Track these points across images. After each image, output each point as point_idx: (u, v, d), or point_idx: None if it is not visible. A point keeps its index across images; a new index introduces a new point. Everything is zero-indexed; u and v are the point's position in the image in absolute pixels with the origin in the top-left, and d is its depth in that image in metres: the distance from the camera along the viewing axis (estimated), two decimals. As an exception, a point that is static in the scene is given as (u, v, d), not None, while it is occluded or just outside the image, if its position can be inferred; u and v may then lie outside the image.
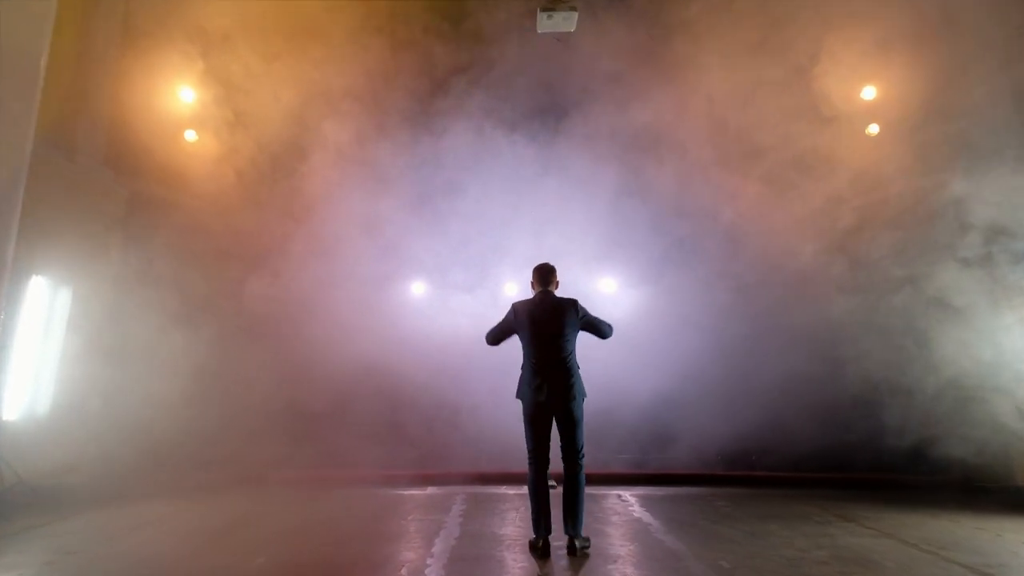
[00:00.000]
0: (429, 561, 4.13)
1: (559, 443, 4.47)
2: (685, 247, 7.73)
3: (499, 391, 6.73)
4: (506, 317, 4.64)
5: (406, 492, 6.72)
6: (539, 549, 4.30)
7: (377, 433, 7.89)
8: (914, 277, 6.27)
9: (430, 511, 5.72)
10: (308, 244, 8.15)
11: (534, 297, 4.63)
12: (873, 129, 7.08)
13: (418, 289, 8.78)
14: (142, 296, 6.67)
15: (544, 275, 4.66)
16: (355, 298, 8.24)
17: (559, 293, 4.67)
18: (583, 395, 4.47)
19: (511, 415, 5.52)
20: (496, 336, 4.68)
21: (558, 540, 4.36)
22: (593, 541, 4.56)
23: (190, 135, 7.97)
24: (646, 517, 5.47)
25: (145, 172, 7.78)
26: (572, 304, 4.54)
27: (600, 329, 4.58)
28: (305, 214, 7.89)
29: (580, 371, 4.52)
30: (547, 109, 7.56)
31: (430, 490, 6.86)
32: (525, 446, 4.49)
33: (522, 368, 4.54)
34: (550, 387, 4.37)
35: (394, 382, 7.90)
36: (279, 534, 4.88)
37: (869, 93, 6.50)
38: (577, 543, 4.27)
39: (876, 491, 6.70)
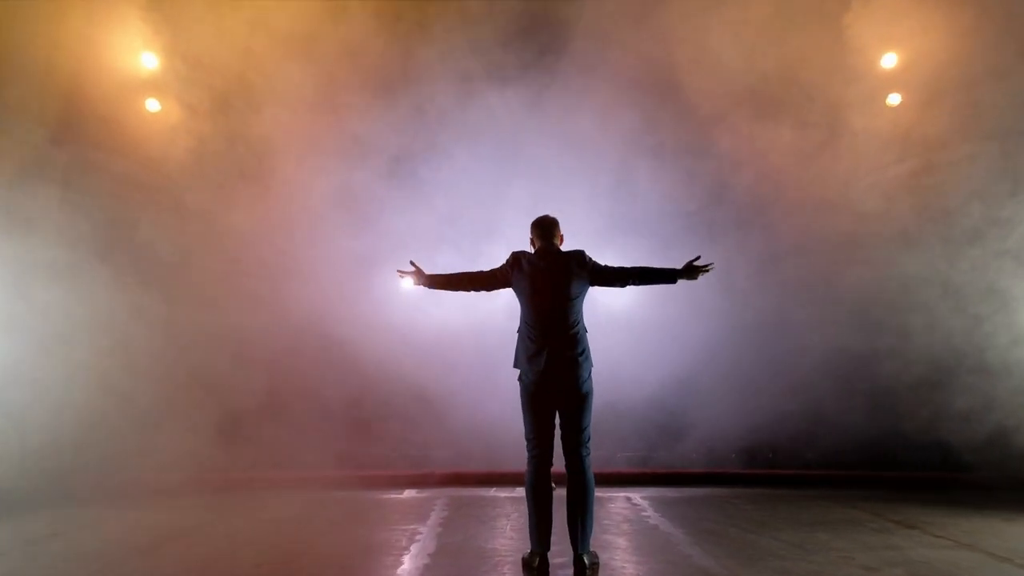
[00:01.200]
0: (392, 587, 3.18)
1: (559, 434, 3.55)
2: (703, 212, 6.72)
3: (490, 384, 5.82)
4: (504, 265, 3.69)
5: (380, 496, 5.74)
6: (535, 568, 3.36)
7: (351, 429, 6.94)
8: (997, 222, 5.27)
9: (403, 519, 4.75)
10: (269, 217, 7.15)
11: (536, 253, 3.70)
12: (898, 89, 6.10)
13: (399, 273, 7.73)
14: (68, 267, 5.63)
15: (546, 228, 3.71)
16: (331, 280, 7.27)
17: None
18: (591, 366, 3.56)
19: (503, 408, 4.60)
20: (484, 282, 3.72)
21: (558, 556, 3.42)
22: (604, 557, 3.61)
23: (146, 96, 6.91)
24: (664, 525, 4.52)
25: (87, 133, 6.72)
26: (578, 257, 3.61)
27: (622, 277, 3.62)
28: (263, 180, 6.84)
29: (588, 336, 3.60)
30: (545, 51, 6.55)
31: (408, 493, 5.89)
32: (522, 437, 3.56)
33: (518, 332, 3.62)
34: (550, 355, 3.45)
35: (372, 373, 6.95)
36: (208, 553, 3.90)
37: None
38: (586, 560, 3.32)
39: (920, 491, 5.79)
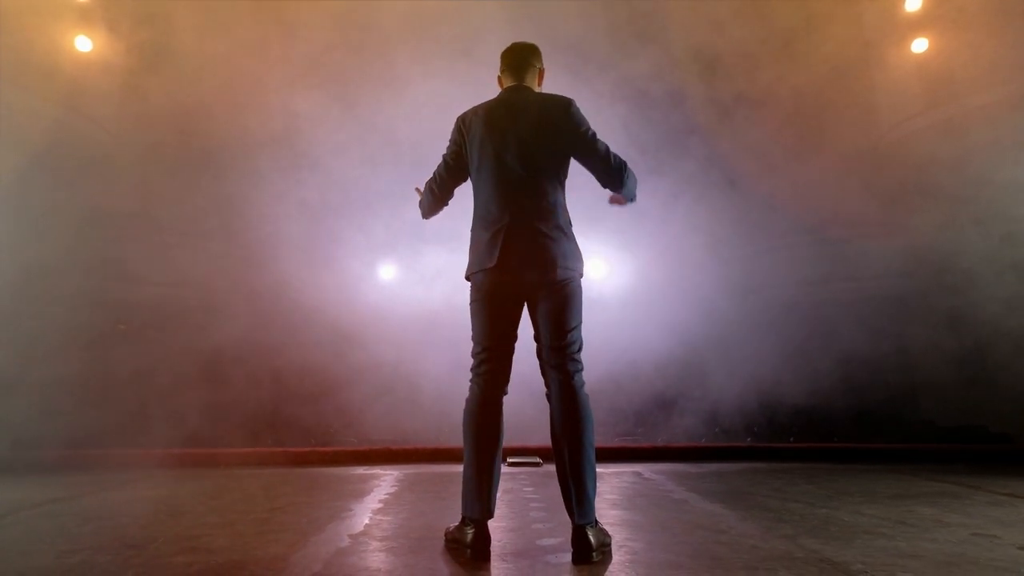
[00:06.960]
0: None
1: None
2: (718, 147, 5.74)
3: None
4: (451, 140, 2.47)
5: (311, 471, 4.43)
6: (468, 545, 2.12)
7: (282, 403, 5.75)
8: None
9: (333, 496, 3.44)
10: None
11: (496, 98, 2.45)
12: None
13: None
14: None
15: (517, 58, 2.48)
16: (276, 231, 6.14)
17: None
18: (577, 252, 2.33)
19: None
20: (439, 185, 2.50)
21: (548, 536, 2.16)
22: (619, 537, 2.35)
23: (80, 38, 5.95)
24: (695, 500, 3.25)
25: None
26: (563, 105, 2.35)
27: (607, 161, 2.32)
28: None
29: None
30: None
31: (357, 471, 4.58)
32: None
33: (472, 230, 2.38)
34: (511, 231, 2.23)
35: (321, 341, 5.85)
36: (27, 533, 2.60)
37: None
38: (591, 536, 2.06)
39: (1003, 465, 4.59)
